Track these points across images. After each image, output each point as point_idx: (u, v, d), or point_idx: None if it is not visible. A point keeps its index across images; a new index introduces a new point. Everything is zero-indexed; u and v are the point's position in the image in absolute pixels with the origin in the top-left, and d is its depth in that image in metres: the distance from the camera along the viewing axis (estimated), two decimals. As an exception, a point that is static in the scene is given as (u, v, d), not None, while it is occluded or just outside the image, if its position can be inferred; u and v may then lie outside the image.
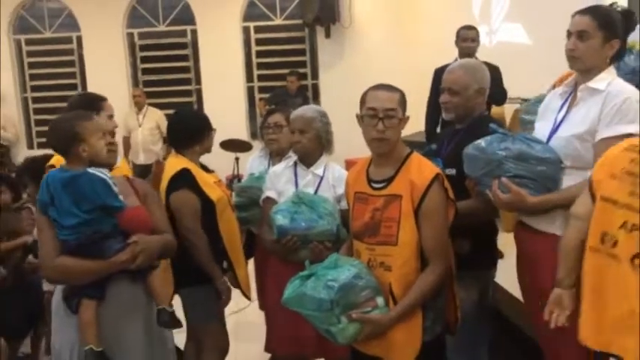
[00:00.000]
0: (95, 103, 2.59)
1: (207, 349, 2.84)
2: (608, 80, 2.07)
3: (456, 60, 4.02)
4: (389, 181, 2.10)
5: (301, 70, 8.22)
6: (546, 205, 2.08)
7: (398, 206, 2.05)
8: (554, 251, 2.08)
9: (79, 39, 8.62)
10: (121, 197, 2.11)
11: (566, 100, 2.19)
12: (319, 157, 2.77)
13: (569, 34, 2.12)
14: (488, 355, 2.60)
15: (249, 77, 8.62)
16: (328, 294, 1.97)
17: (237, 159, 6.95)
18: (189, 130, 2.83)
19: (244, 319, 3.95)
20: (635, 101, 2.00)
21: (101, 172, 2.08)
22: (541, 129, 2.22)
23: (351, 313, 2.00)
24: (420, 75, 6.18)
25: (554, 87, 3.53)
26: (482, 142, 2.18)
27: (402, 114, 2.09)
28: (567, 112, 2.15)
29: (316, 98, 8.39)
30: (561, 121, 2.14)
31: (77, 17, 8.53)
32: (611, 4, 2.21)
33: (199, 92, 8.61)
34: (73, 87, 8.66)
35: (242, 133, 8.09)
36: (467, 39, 4.54)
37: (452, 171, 2.34)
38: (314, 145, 2.73)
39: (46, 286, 3.05)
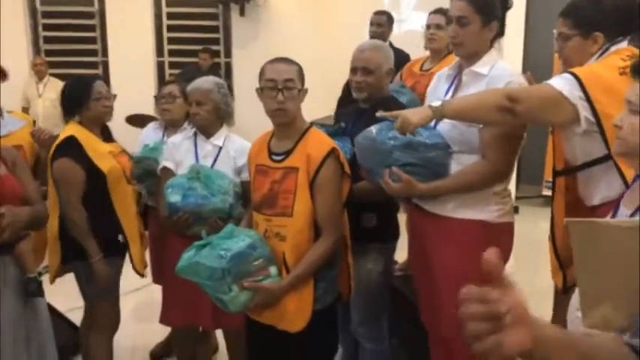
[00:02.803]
0: None
1: (94, 327, 2.77)
2: (490, 64, 2.13)
3: None
4: (287, 153, 2.16)
5: (214, 48, 8.07)
6: (435, 192, 2.14)
7: (294, 178, 2.11)
8: (445, 233, 2.18)
9: (-27, 0, 8.03)
10: None
11: (452, 84, 2.24)
12: (219, 129, 2.75)
13: (450, 20, 2.14)
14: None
15: (160, 52, 8.35)
16: (220, 263, 2.02)
17: (143, 134, 6.76)
18: (72, 96, 2.70)
19: (146, 296, 3.88)
20: (516, 84, 2.09)
21: None
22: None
23: (242, 281, 2.05)
24: (334, 57, 6.25)
25: (400, 77, 3.67)
26: (372, 130, 2.18)
27: (301, 86, 2.13)
28: (453, 96, 2.20)
29: (229, 77, 8.26)
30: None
31: (-29, -23, 7.93)
32: None
33: (106, 65, 8.24)
34: (-34, 52, 8.07)
35: (150, 109, 7.80)
36: (373, 24, 4.66)
37: None
38: (213, 116, 2.71)
39: None
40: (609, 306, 1.26)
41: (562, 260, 2.16)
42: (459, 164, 2.13)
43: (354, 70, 2.50)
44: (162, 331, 3.31)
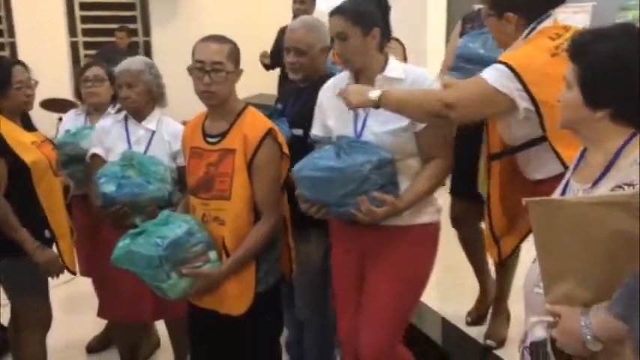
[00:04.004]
0: None
1: (25, 325, 2.58)
2: (401, 67, 2.08)
3: None
4: (223, 135, 2.11)
5: (131, 26, 7.76)
6: (414, 203, 2.04)
7: (231, 160, 2.07)
8: (399, 243, 2.10)
9: None
10: None
11: None
12: (151, 111, 2.64)
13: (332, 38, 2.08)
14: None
15: (73, 31, 7.95)
16: (157, 251, 1.98)
17: (60, 119, 6.44)
18: None
19: (75, 289, 3.72)
20: (434, 81, 2.08)
21: None
22: (339, 127, 2.12)
23: (181, 268, 2.02)
24: (258, 34, 6.14)
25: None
26: (328, 159, 2.00)
27: (233, 67, 2.06)
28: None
29: (149, 56, 7.95)
30: (366, 116, 2.08)
31: None
32: None
33: (13, 46, 7.75)
34: None
35: (65, 92, 7.46)
36: (296, 1, 4.65)
37: (299, 131, 2.34)
38: (144, 99, 2.59)
39: None
40: (572, 281, 1.31)
41: (496, 235, 2.24)
42: (403, 170, 2.05)
43: (287, 50, 2.42)
44: (98, 323, 3.19)
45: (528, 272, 1.54)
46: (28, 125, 2.61)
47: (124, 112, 2.66)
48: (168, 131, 2.61)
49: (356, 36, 2.01)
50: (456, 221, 2.85)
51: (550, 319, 1.35)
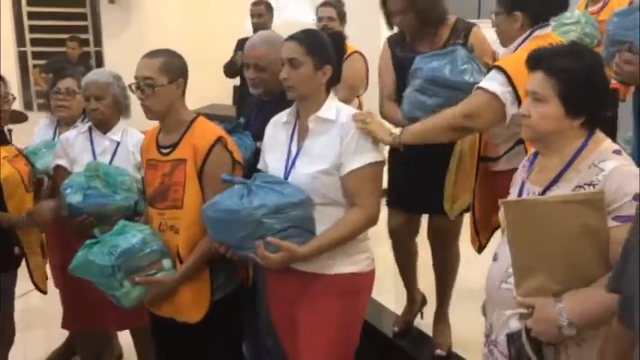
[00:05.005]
0: None
1: None
2: (334, 108, 2.03)
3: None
4: (174, 146, 2.16)
5: (83, 36, 7.64)
6: (319, 251, 1.97)
7: (183, 170, 2.12)
8: (321, 291, 2.05)
9: None
10: None
11: (293, 131, 2.10)
12: (116, 123, 2.67)
13: (283, 62, 2.03)
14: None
15: (21, 41, 7.77)
16: (110, 260, 2.04)
17: (9, 131, 6.28)
18: None
19: (29, 303, 3.66)
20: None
21: None
22: (273, 163, 2.10)
23: (134, 276, 2.07)
24: (212, 45, 6.16)
25: None
26: (226, 202, 1.95)
27: (166, 81, 2.09)
28: (300, 144, 2.06)
29: (100, 67, 7.87)
30: (296, 155, 2.05)
31: None
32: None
33: (-43, 55, 7.53)
34: None
35: (14, 103, 7.28)
36: (253, 15, 4.68)
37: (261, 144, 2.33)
38: (112, 111, 2.63)
39: None
40: (543, 275, 1.43)
41: (478, 229, 2.44)
42: (323, 216, 1.99)
43: (247, 66, 2.44)
44: (53, 338, 3.19)
45: (490, 270, 1.63)
46: (1, 139, 2.56)
47: (88, 124, 2.67)
48: (132, 142, 2.64)
49: (307, 66, 1.98)
50: (392, 233, 2.86)
51: (524, 310, 1.46)
